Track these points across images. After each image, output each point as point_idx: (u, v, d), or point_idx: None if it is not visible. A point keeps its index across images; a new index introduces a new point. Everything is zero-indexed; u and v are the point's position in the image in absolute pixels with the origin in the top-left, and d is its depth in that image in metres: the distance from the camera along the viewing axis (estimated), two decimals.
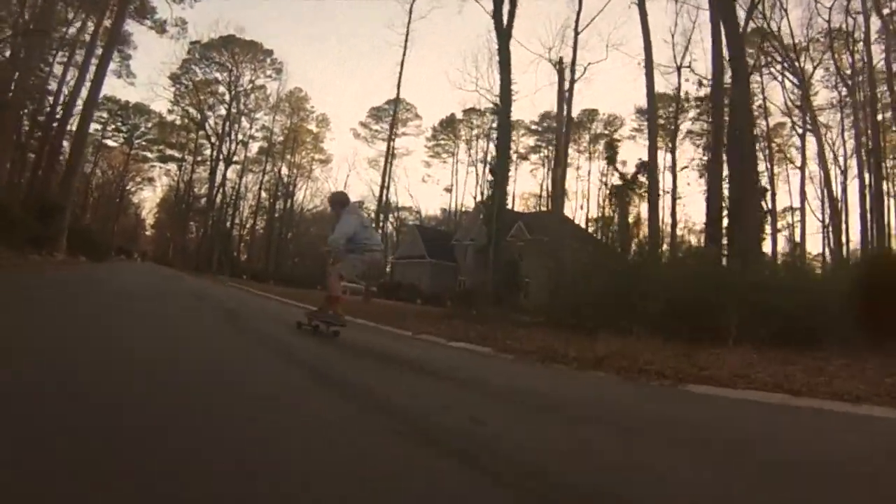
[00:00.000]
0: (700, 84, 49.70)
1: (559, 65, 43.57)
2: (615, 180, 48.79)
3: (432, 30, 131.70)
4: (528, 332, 15.18)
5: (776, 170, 58.87)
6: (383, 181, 55.12)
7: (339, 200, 11.79)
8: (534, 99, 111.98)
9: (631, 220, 37.30)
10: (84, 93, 42.15)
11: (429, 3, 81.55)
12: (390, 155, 56.85)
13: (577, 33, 42.66)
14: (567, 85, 42.01)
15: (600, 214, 69.66)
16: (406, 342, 12.93)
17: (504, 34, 32.57)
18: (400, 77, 49.82)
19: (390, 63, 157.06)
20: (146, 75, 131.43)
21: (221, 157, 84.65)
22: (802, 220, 58.34)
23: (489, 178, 33.68)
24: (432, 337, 13.73)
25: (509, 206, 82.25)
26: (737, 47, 26.09)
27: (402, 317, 20.84)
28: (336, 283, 11.12)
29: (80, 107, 42.89)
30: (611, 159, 38.85)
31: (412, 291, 61.57)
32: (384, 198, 56.01)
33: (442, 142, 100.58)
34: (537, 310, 23.51)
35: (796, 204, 63.06)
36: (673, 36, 47.81)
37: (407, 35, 50.23)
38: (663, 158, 60.71)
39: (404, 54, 50.20)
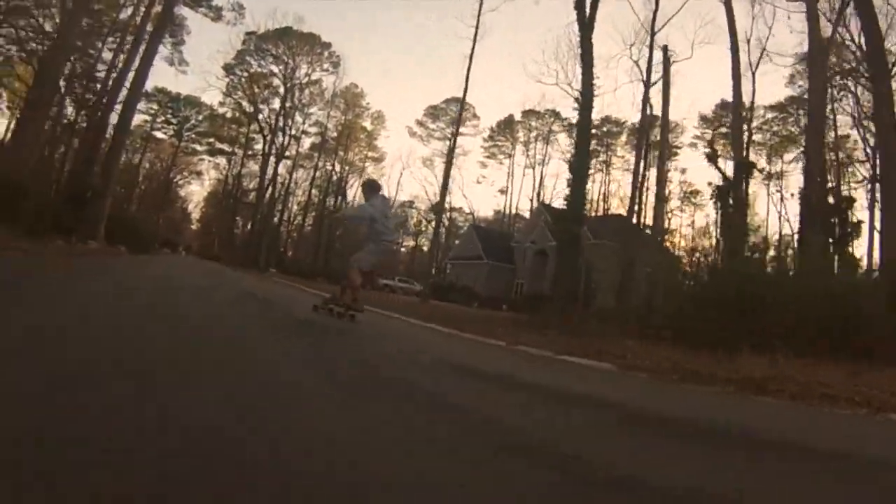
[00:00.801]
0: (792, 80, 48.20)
1: (648, 62, 41.83)
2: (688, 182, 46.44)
3: (500, 23, 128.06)
4: (640, 346, 13.13)
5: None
6: (445, 180, 52.48)
7: (371, 186, 12.68)
8: (611, 98, 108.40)
9: (752, 224, 34.53)
10: (131, 77, 40.34)
11: None
12: (451, 153, 54.42)
13: (653, 33, 40.92)
14: (643, 87, 40.58)
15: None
16: (507, 356, 11.07)
17: (586, 25, 30.23)
18: (468, 71, 47.21)
19: (450, 59, 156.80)
20: (199, 64, 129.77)
21: (273, 151, 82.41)
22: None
23: (567, 176, 31.45)
24: (532, 349, 11.82)
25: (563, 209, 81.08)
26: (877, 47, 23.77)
27: (479, 322, 19.55)
28: (354, 275, 11.58)
29: (126, 92, 40.89)
30: (712, 157, 36.33)
31: (467, 293, 59.68)
32: (445, 197, 53.59)
33: (499, 143, 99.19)
34: (634, 318, 21.47)
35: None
36: (748, 40, 44.65)
37: (476, 27, 47.50)
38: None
39: (473, 47, 47.43)
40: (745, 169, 34.81)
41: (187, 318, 8.66)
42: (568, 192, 30.81)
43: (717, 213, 34.12)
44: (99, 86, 41.74)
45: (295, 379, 4.99)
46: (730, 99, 36.84)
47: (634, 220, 48.16)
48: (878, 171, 49.32)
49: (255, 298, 16.98)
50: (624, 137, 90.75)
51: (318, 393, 4.54)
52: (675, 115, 63.23)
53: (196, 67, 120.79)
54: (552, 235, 61.79)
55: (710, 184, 37.67)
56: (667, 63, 39.69)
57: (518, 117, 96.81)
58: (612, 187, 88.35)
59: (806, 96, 54.59)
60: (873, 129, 47.90)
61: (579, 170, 31.34)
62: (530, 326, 18.91)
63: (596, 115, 78.76)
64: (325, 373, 5.61)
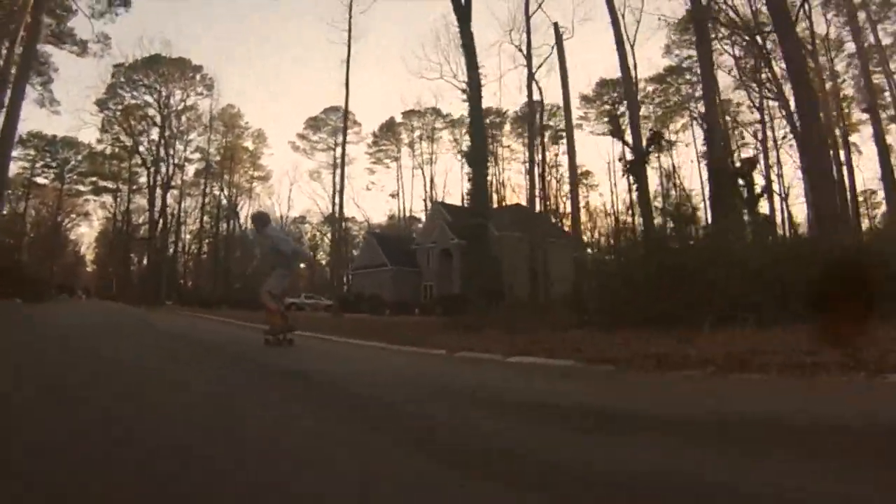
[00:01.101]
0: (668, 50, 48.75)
1: (527, 46, 41.61)
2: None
3: (372, 25, 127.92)
4: (585, 335, 12.74)
5: None
6: (340, 187, 51.40)
7: (261, 218, 13.12)
8: (496, 87, 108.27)
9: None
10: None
11: None
12: (343, 160, 53.42)
13: (528, 16, 40.71)
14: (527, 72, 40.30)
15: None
16: (455, 366, 10.25)
17: (464, 14, 30.16)
18: (347, 76, 46.26)
19: (326, 67, 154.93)
20: (71, 102, 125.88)
21: (158, 182, 79.92)
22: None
23: (463, 170, 31.12)
24: (476, 353, 11.05)
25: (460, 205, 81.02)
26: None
27: (401, 331, 18.40)
28: (268, 299, 11.98)
29: None
30: (615, 132, 36.11)
31: (375, 302, 58.39)
32: (343, 206, 52.50)
33: (384, 147, 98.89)
34: (565, 307, 21.01)
35: None
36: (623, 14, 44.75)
37: (350, 30, 46.71)
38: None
39: (349, 51, 46.71)
40: (654, 139, 34.93)
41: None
42: (468, 185, 30.51)
43: (631, 187, 33.65)
44: None
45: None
46: (608, 76, 36.94)
47: (535, 209, 47.66)
48: (767, 131, 50.35)
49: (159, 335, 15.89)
50: (508, 127, 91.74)
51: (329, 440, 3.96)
52: (556, 96, 63.56)
53: (68, 106, 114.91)
54: (453, 233, 62.12)
55: (609, 162, 37.84)
56: (559, 40, 39.34)
57: (399, 119, 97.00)
58: (504, 177, 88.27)
59: (685, 65, 55.74)
60: (756, 88, 49.13)
61: (477, 161, 30.93)
62: (459, 329, 18.00)
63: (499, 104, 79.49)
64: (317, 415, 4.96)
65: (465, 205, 67.39)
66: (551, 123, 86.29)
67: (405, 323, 28.22)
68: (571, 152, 44.35)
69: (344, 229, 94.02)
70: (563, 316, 18.78)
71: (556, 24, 41.40)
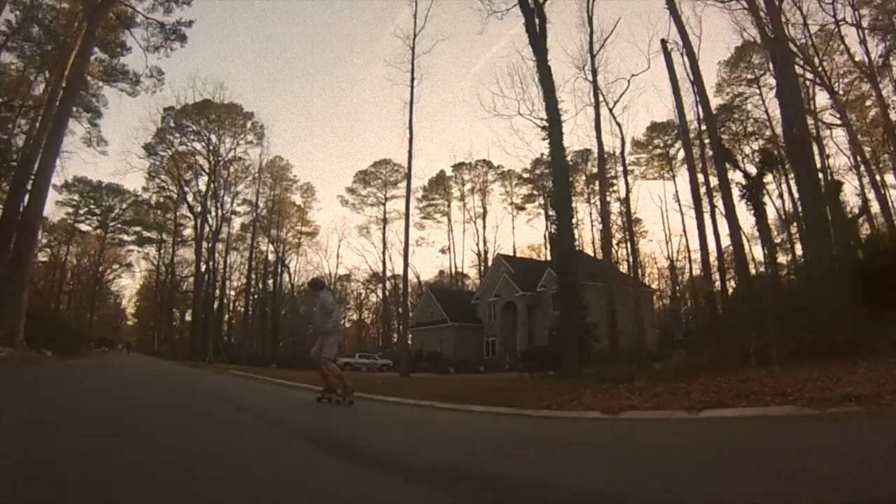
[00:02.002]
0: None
1: (594, 84, 39.79)
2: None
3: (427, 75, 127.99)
4: (756, 375, 11.27)
5: None
6: (406, 241, 48.21)
7: (319, 284, 14.33)
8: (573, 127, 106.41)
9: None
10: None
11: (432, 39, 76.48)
12: (407, 212, 51.28)
13: (592, 56, 39.18)
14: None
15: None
16: (669, 434, 8.18)
17: (541, 48, 29.59)
18: (410, 119, 43.79)
19: (377, 121, 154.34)
20: (119, 144, 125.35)
21: (205, 235, 77.58)
22: None
23: (551, 212, 29.30)
24: (649, 412, 9.61)
25: (523, 257, 79.34)
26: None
27: (501, 392, 16.25)
28: (333, 366, 12.84)
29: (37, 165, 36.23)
30: (724, 157, 33.78)
31: (436, 360, 56.48)
32: (408, 262, 49.69)
33: (433, 201, 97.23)
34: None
35: None
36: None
37: (412, 71, 44.60)
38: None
39: (412, 94, 44.10)
40: (767, 161, 33.13)
41: None
42: (554, 229, 28.92)
43: (752, 212, 31.71)
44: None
45: None
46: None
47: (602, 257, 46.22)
48: None
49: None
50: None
51: None
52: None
53: (116, 147, 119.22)
54: (517, 285, 60.27)
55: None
56: (669, 59, 37.42)
57: (449, 172, 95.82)
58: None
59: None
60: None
61: (561, 201, 29.47)
62: (575, 384, 15.57)
63: (532, 154, 78.23)
64: None
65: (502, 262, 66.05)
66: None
67: (490, 381, 25.98)
68: (627, 197, 44.24)
69: (393, 286, 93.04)
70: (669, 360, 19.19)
71: (663, 42, 39.83)
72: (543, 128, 31.91)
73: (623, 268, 58.58)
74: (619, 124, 43.41)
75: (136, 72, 48.26)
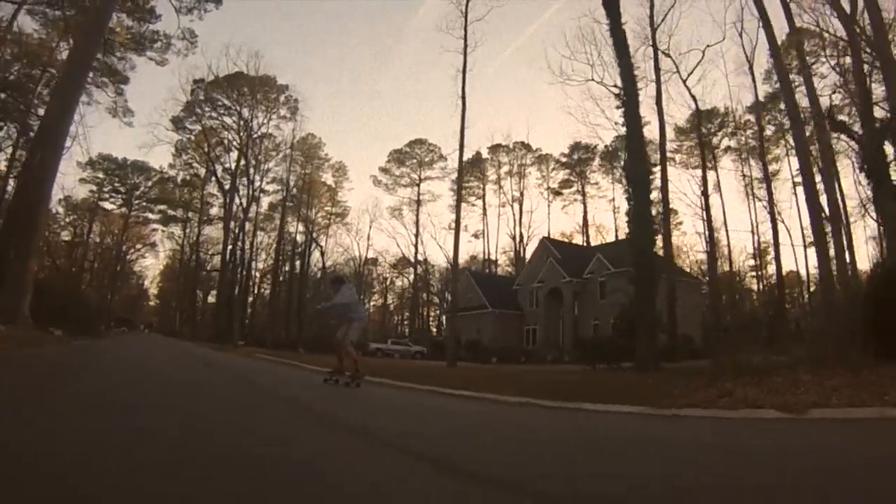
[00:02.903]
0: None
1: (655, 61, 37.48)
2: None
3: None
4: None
5: None
6: (457, 229, 45.58)
7: (339, 279, 15.37)
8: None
9: None
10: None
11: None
12: (459, 188, 48.86)
13: (654, 29, 36.73)
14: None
15: None
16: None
17: (614, 8, 26.98)
18: (463, 88, 41.06)
19: (411, 98, 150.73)
20: (145, 115, 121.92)
21: (234, 212, 75.64)
22: None
23: (625, 188, 26.89)
24: (845, 410, 8.10)
25: (569, 241, 76.84)
26: None
27: (578, 386, 14.30)
28: (351, 349, 13.75)
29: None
30: (839, 127, 30.88)
31: (476, 348, 53.66)
32: (458, 248, 46.90)
33: (468, 184, 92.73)
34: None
35: None
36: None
37: (465, 39, 41.85)
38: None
39: (465, 61, 41.61)
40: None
41: None
42: (629, 208, 26.31)
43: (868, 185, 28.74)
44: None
45: None
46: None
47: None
48: None
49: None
50: (597, 162, 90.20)
51: None
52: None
53: (142, 119, 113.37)
54: (564, 271, 57.70)
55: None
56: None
57: (486, 154, 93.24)
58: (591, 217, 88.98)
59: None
60: None
61: (638, 179, 26.68)
62: (668, 378, 14.61)
63: (566, 142, 75.36)
64: None
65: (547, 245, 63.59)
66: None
67: (559, 374, 22.82)
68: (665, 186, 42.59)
69: (425, 271, 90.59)
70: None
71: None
72: (617, 96, 29.37)
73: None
74: (693, 96, 41.49)
75: (167, 33, 45.46)
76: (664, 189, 41.61)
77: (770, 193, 52.11)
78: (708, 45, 44.49)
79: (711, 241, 50.58)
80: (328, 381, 13.65)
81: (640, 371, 21.31)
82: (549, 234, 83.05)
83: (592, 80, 42.74)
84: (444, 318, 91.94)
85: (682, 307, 45.61)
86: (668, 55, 39.29)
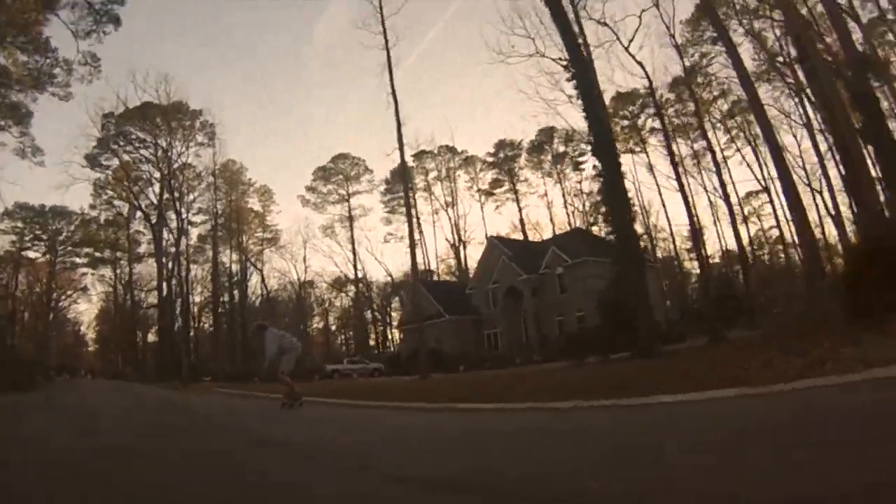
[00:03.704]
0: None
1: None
2: None
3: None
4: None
5: None
6: (411, 240, 43.81)
7: (261, 327, 17.83)
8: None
9: None
10: None
11: None
12: (406, 190, 47.25)
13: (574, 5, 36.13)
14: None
15: None
16: None
17: None
18: (392, 84, 39.24)
19: (334, 113, 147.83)
20: (57, 154, 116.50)
21: (164, 247, 72.89)
22: None
23: (595, 164, 26.09)
24: None
25: (520, 239, 75.80)
26: None
27: (600, 386, 11.99)
28: (286, 379, 16.14)
29: None
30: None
31: (439, 358, 50.91)
32: (416, 258, 44.99)
33: (398, 194, 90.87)
34: None
35: None
36: None
37: (385, 34, 40.15)
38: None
39: (389, 57, 39.99)
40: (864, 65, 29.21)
41: None
42: (600, 185, 25.49)
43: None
44: None
45: None
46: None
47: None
48: None
49: None
50: (524, 158, 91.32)
51: None
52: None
53: (54, 158, 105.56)
54: (520, 268, 56.39)
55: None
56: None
57: (411, 162, 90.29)
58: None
59: None
60: None
61: (603, 148, 26.89)
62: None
63: (492, 141, 74.80)
64: None
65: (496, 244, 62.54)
66: (567, 150, 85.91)
67: (547, 373, 21.62)
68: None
69: (356, 290, 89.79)
70: None
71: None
72: (565, 67, 30.08)
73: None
74: (639, 63, 40.56)
75: (67, 58, 43.24)
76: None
77: (717, 167, 51.34)
78: (643, 10, 42.98)
79: (693, 224, 49.55)
80: (284, 408, 15.91)
81: (645, 357, 20.53)
82: (485, 235, 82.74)
83: (537, 53, 41.08)
84: (393, 332, 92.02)
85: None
86: (605, 24, 38.01)
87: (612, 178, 25.35)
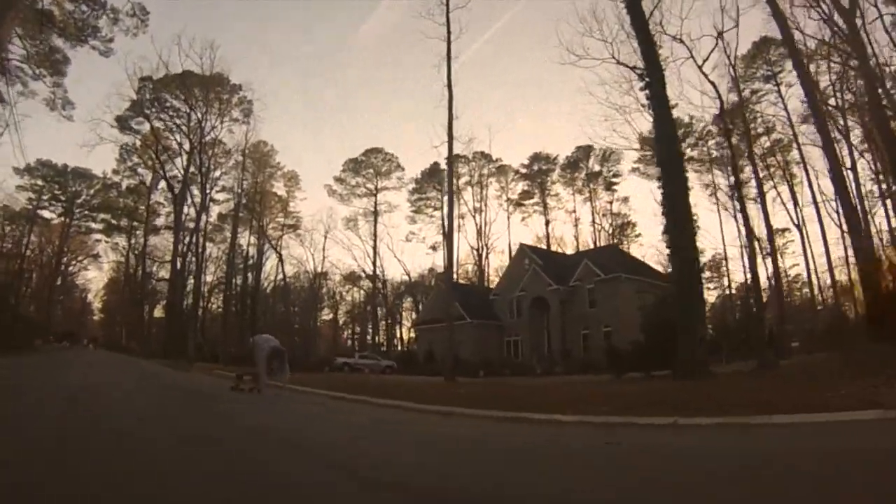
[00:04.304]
0: None
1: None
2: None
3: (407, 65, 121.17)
4: None
5: None
6: (449, 236, 44.48)
7: (251, 341, 20.48)
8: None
9: None
10: None
11: None
12: (450, 182, 46.60)
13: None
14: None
15: None
16: None
17: None
18: (449, 75, 38.40)
19: (364, 108, 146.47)
20: (87, 109, 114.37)
21: (183, 221, 71.31)
22: None
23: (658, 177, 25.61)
24: None
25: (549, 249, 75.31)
26: None
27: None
28: (262, 370, 18.61)
29: None
30: None
31: (456, 362, 49.94)
32: (452, 255, 44.15)
33: (425, 197, 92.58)
34: None
35: None
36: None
37: (448, 24, 38.98)
38: None
39: (449, 48, 39.22)
40: None
41: None
42: (662, 197, 24.76)
43: None
44: None
45: None
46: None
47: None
48: None
49: None
50: (556, 174, 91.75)
51: None
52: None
53: (83, 114, 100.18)
54: (550, 278, 55.68)
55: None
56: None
57: (443, 165, 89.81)
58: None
59: None
60: None
61: (670, 161, 26.08)
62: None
63: (527, 153, 74.18)
64: None
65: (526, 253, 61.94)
66: (602, 170, 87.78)
67: (593, 385, 21.97)
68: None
69: (373, 287, 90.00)
70: None
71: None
72: (640, 76, 28.48)
73: None
74: (713, 83, 39.76)
75: (115, 7, 41.85)
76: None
77: (742, 200, 50.71)
78: (720, 32, 41.78)
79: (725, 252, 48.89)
80: (235, 390, 19.71)
81: (684, 377, 20.43)
82: (509, 245, 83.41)
83: (613, 58, 40.20)
84: (402, 330, 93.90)
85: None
86: (681, 41, 37.11)
87: (676, 192, 24.73)
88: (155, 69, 65.45)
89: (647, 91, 26.93)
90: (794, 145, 54.64)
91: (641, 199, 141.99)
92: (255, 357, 18.76)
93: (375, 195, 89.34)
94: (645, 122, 46.01)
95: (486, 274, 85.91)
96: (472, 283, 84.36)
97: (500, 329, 62.72)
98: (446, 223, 47.78)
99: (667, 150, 25.95)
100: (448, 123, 38.42)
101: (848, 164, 47.56)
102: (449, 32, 39.54)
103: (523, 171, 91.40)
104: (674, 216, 24.50)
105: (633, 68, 31.98)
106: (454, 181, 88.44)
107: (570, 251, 77.86)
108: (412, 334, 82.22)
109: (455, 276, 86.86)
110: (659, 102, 25.97)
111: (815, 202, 51.90)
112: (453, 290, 65.72)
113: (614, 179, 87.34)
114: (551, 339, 55.84)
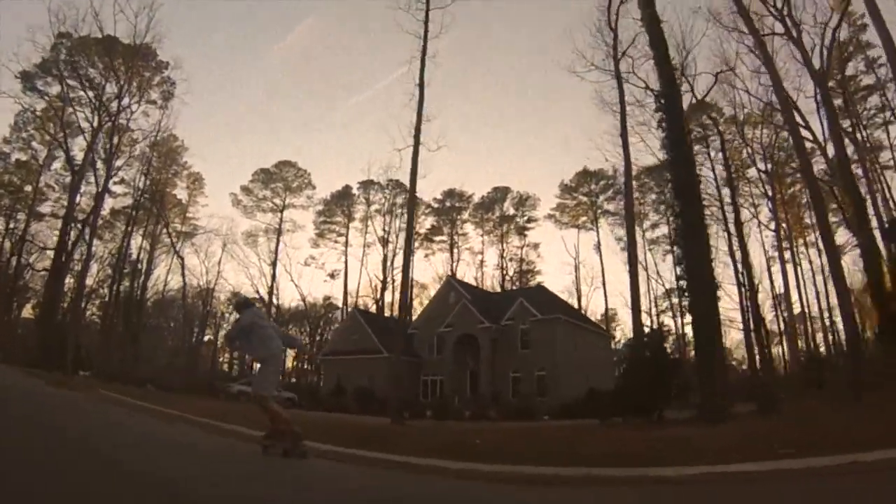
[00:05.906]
0: None
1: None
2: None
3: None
4: None
5: None
6: (408, 243, 40.06)
7: (242, 303, 12.16)
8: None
9: None
10: None
11: None
12: (413, 181, 43.27)
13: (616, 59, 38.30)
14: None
15: None
16: None
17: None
18: (422, 72, 35.80)
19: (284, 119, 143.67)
20: None
21: (76, 209, 65.29)
22: None
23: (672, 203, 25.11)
24: None
25: (477, 286, 74.78)
26: None
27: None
28: (273, 406, 10.45)
29: None
30: None
31: (368, 399, 49.03)
32: (407, 288, 41.41)
33: (333, 219, 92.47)
34: None
35: None
36: None
37: (427, 20, 36.78)
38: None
39: (425, 45, 36.85)
40: None
41: None
42: (677, 226, 24.37)
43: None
44: None
45: None
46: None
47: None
48: None
49: None
50: (467, 213, 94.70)
51: None
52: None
53: None
54: (482, 315, 54.21)
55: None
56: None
57: (355, 189, 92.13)
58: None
59: None
60: None
61: (686, 189, 25.81)
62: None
63: (438, 189, 74.55)
64: None
65: (480, 285, 61.23)
66: (516, 214, 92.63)
67: (579, 430, 19.77)
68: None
69: (277, 308, 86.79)
70: None
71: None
72: (656, 98, 29.03)
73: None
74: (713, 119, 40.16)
75: None
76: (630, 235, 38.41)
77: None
78: (719, 72, 41.05)
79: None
80: (268, 452, 10.48)
81: (711, 420, 19.63)
82: (411, 281, 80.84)
83: (629, 72, 39.03)
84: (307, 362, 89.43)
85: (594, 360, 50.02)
86: (682, 74, 36.58)
87: (692, 222, 24.68)
88: (82, 19, 59.57)
89: (660, 113, 27.51)
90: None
91: (552, 246, 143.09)
92: (255, 355, 11.54)
93: (282, 212, 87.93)
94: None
95: (387, 305, 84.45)
96: (392, 315, 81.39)
97: (418, 366, 60.21)
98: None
99: (684, 178, 25.89)
100: (416, 126, 35.84)
101: None
102: (426, 30, 37.38)
103: (435, 205, 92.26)
104: (690, 245, 24.76)
105: (645, 89, 31.48)
106: (365, 208, 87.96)
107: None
108: (312, 366, 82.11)
109: (359, 305, 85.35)
110: (674, 125, 26.42)
111: None
112: (370, 321, 63.74)
113: (528, 225, 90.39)
114: (479, 380, 54.49)
